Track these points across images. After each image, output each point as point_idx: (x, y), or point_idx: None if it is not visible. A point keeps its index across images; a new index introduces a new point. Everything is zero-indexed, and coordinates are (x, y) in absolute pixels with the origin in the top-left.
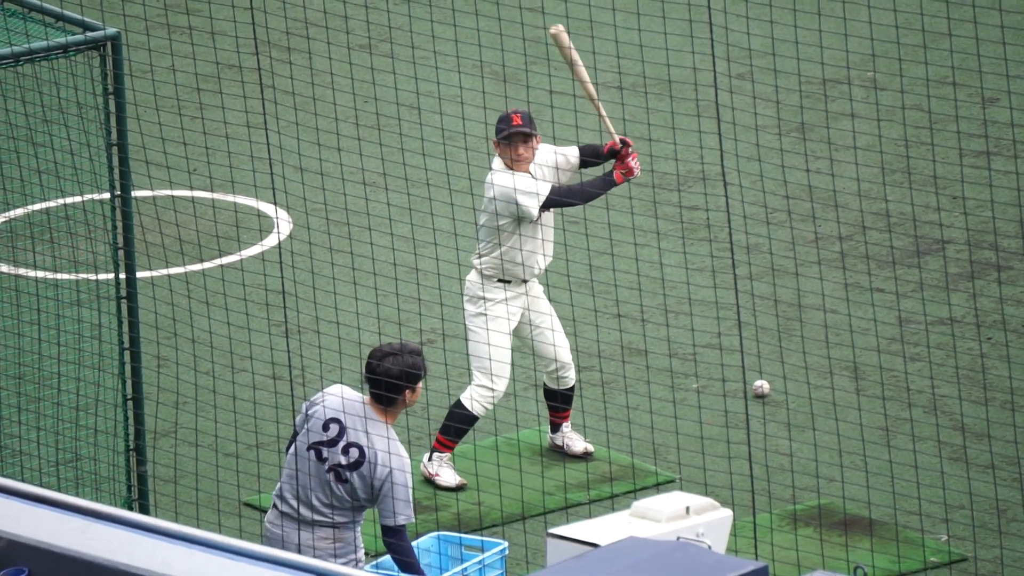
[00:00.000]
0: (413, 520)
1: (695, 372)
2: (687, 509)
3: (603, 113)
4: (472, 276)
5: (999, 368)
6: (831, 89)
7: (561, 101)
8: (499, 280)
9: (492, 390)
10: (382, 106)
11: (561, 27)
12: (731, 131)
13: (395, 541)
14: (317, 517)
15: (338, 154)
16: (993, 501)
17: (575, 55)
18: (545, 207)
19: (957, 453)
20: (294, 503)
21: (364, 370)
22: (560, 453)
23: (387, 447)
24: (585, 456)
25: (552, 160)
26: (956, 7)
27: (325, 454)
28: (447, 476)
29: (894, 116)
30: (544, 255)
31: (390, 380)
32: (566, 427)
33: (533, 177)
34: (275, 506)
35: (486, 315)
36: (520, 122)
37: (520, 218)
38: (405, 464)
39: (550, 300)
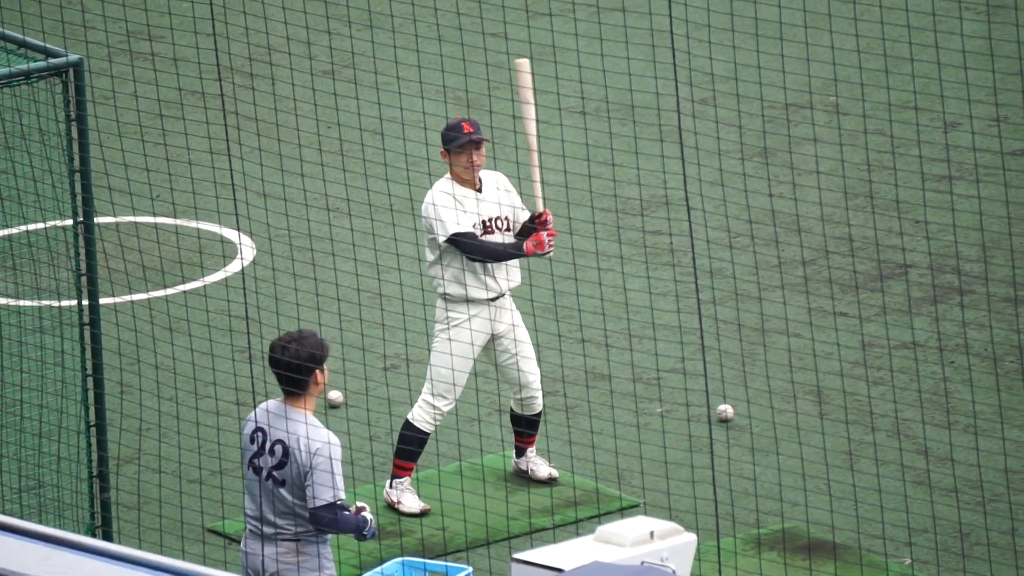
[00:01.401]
0: (342, 498)
1: (659, 396)
2: (651, 534)
3: (537, 177)
4: (438, 300)
5: (962, 392)
6: (793, 114)
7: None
8: (462, 300)
9: (434, 407)
10: (345, 131)
11: (527, 62)
12: (694, 156)
13: (318, 525)
14: (278, 531)
15: (301, 179)
16: (956, 524)
17: (531, 97)
18: (452, 240)
19: (920, 477)
20: (256, 523)
21: (269, 364)
22: (524, 478)
23: (306, 432)
24: (549, 481)
25: (513, 199)
26: (917, 32)
27: (259, 464)
28: (410, 502)
29: (856, 141)
30: (496, 277)
31: (300, 362)
32: (531, 452)
33: (478, 197)
34: (247, 526)
35: (448, 335)
36: (471, 129)
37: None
38: (328, 442)
39: (513, 325)
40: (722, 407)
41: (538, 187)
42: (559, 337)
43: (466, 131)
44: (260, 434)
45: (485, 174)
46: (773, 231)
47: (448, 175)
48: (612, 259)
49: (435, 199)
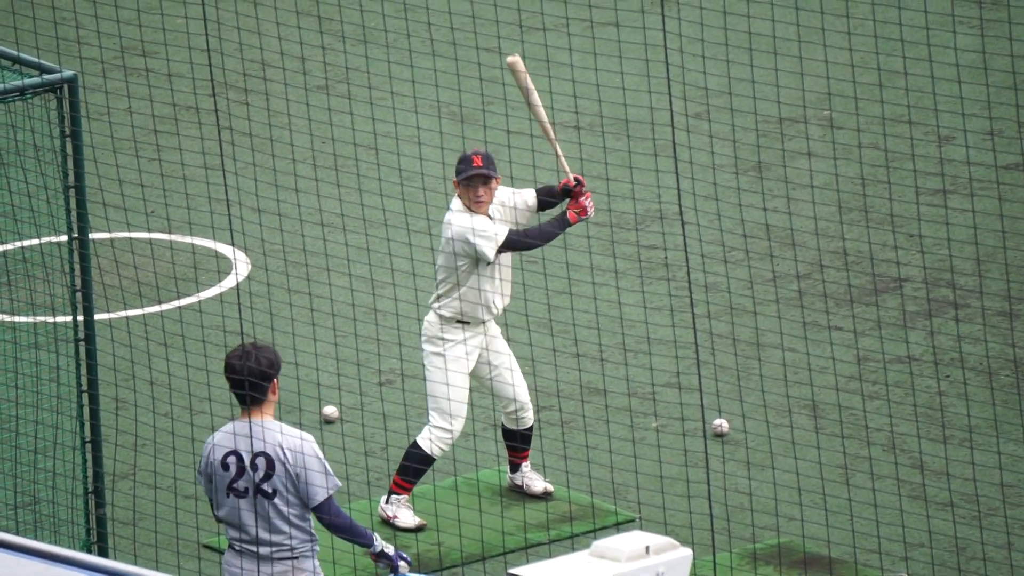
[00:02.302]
0: (339, 485)
1: (654, 411)
2: (647, 548)
3: (559, 151)
4: (430, 317)
5: (957, 406)
6: (788, 128)
7: (519, 141)
8: (458, 321)
9: (449, 431)
10: (339, 147)
11: (518, 56)
12: (688, 170)
13: (328, 518)
14: (274, 550)
15: (296, 195)
16: (952, 539)
17: (531, 84)
18: (502, 249)
19: (916, 491)
20: (249, 545)
21: (229, 378)
22: (519, 493)
23: (278, 434)
24: (545, 496)
25: (511, 201)
26: (911, 46)
27: (241, 486)
28: (405, 517)
29: (851, 155)
30: (502, 295)
31: (263, 370)
32: (525, 467)
33: (491, 218)
34: (231, 547)
35: (444, 356)
36: (481, 164)
37: (477, 259)
38: (306, 439)
39: (508, 340)
40: (717, 421)
41: (561, 160)
42: (554, 352)
43: (475, 164)
44: (232, 457)
45: None
46: (768, 245)
47: (459, 202)
48: (607, 273)
49: (461, 221)
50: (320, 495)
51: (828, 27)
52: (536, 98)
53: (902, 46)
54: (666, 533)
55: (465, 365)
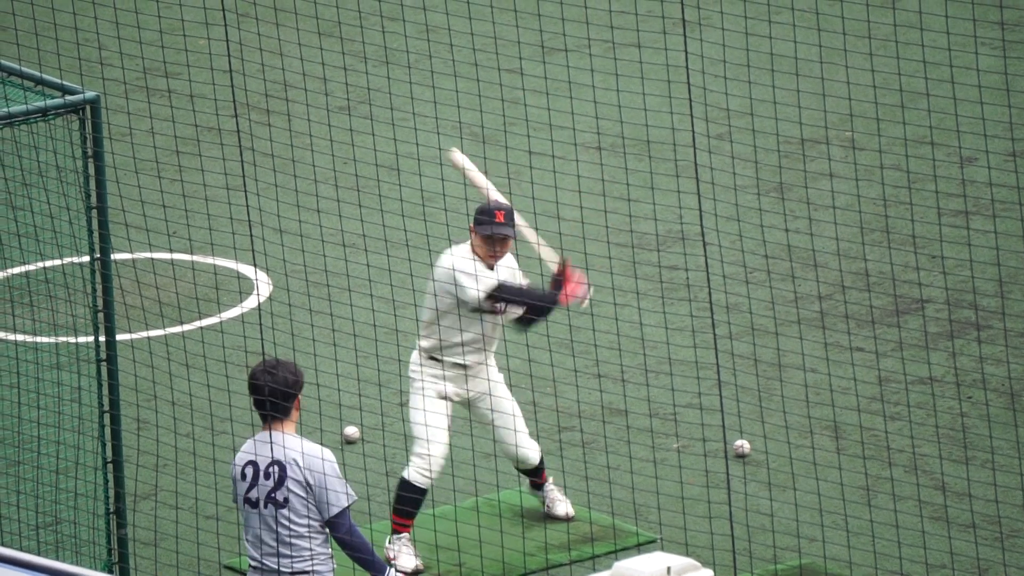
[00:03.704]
0: (356, 498)
1: (676, 432)
2: (668, 569)
3: (537, 242)
4: (413, 356)
5: (979, 427)
6: (810, 149)
7: (540, 162)
8: (430, 357)
9: (426, 456)
10: (361, 167)
11: (455, 151)
12: (710, 191)
13: (343, 535)
14: (294, 562)
15: (318, 216)
16: (975, 560)
17: (475, 175)
18: (491, 297)
19: (938, 512)
20: (270, 560)
21: (251, 393)
22: (541, 514)
23: (298, 446)
24: (566, 519)
25: (517, 276)
26: (933, 67)
27: (255, 495)
28: (404, 561)
29: (873, 176)
30: (489, 338)
31: (284, 389)
32: (548, 487)
33: (489, 274)
34: (251, 566)
35: (421, 383)
36: (503, 220)
37: (461, 301)
38: (318, 452)
39: (529, 361)
40: (739, 442)
41: (544, 251)
42: (575, 372)
43: (498, 220)
44: (251, 467)
45: None
46: (789, 266)
47: (468, 246)
48: (628, 294)
49: (457, 265)
50: (336, 506)
51: (850, 48)
52: (483, 180)
53: (924, 67)
54: (687, 554)
55: (443, 402)
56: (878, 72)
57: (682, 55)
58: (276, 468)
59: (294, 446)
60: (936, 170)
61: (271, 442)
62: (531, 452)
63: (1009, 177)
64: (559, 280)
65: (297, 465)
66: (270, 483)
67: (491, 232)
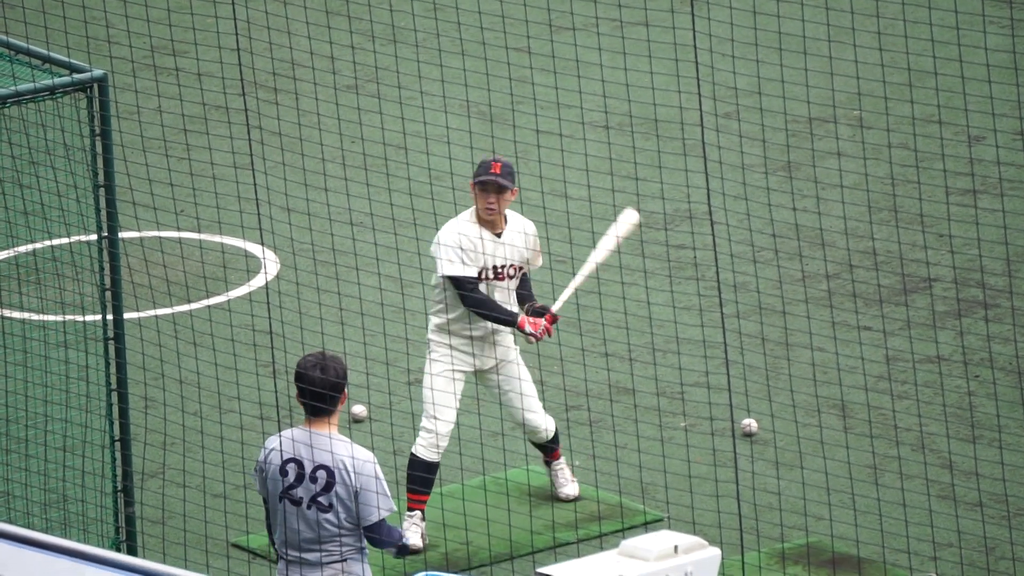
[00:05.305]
0: (395, 509)
1: (683, 411)
2: (675, 548)
3: (573, 286)
4: (431, 322)
5: (987, 406)
6: (817, 128)
7: (548, 141)
8: (443, 329)
9: (432, 432)
10: (369, 146)
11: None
12: (718, 170)
13: (379, 537)
14: (323, 555)
15: (325, 194)
16: (982, 539)
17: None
18: (454, 282)
19: (945, 491)
20: (296, 552)
21: (300, 388)
22: (548, 493)
23: (348, 451)
24: (567, 499)
25: (534, 243)
26: (941, 46)
27: (298, 494)
28: (410, 538)
29: (880, 155)
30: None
31: (336, 381)
32: (556, 464)
33: (495, 240)
34: (280, 557)
35: (431, 358)
36: (498, 171)
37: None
38: (370, 457)
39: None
40: (746, 421)
41: (569, 292)
42: (583, 351)
43: (492, 171)
44: (292, 464)
45: (513, 218)
46: (797, 245)
47: (472, 210)
48: (636, 273)
49: (442, 238)
50: (374, 516)
51: (858, 27)
52: (608, 252)
53: (932, 46)
54: (695, 532)
55: (450, 373)
56: (886, 51)
57: (690, 33)
58: (324, 473)
59: (343, 451)
60: (944, 149)
61: (311, 444)
62: (541, 424)
63: (1017, 156)
64: (538, 311)
65: (346, 471)
66: (316, 487)
67: (484, 179)
